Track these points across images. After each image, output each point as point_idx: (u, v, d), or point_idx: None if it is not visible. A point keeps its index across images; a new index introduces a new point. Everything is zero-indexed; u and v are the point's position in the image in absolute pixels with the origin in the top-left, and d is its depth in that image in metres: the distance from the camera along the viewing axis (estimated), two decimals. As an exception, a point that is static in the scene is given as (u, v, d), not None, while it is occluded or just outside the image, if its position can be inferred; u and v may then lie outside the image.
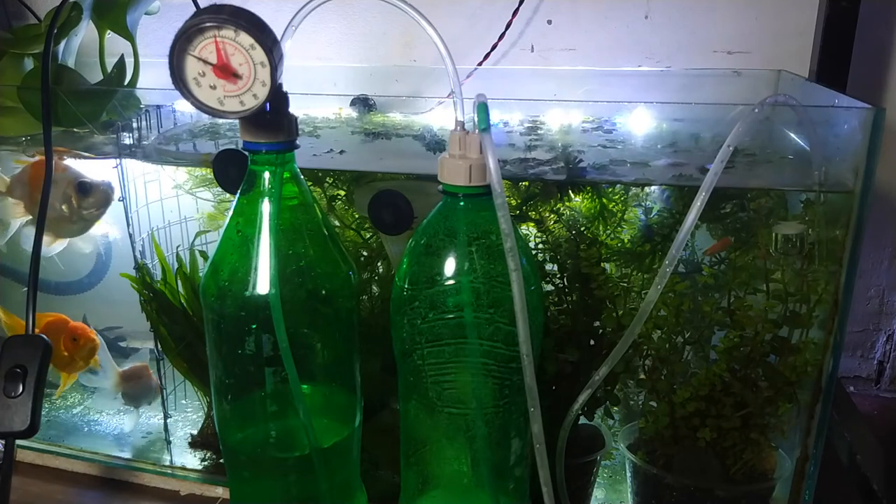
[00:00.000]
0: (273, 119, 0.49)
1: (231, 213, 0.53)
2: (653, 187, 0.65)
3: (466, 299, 0.48)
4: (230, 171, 0.63)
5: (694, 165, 0.61)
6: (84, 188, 0.76)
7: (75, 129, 0.75)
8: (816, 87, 0.76)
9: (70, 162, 0.78)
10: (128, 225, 0.76)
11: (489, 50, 0.89)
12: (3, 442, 0.57)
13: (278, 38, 0.46)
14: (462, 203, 0.48)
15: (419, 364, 0.50)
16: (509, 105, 0.78)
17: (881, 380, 0.96)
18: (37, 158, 0.79)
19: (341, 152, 0.68)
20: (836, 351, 0.57)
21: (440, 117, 0.76)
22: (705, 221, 0.66)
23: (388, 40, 0.94)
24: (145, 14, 0.83)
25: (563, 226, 0.65)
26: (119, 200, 0.77)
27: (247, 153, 0.51)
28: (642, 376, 0.63)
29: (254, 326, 0.52)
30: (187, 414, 0.85)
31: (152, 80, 0.79)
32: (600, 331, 0.63)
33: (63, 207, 0.77)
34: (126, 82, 0.79)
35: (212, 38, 0.45)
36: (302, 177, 0.53)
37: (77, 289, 0.93)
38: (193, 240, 0.78)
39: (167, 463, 0.79)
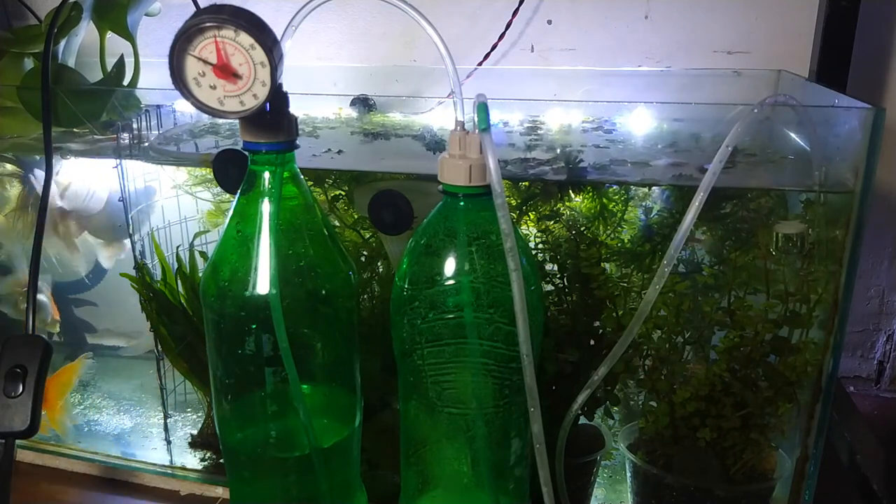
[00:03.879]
0: (273, 119, 0.49)
1: (231, 213, 0.53)
2: (653, 187, 0.65)
3: (466, 299, 0.48)
4: (230, 171, 0.63)
5: (694, 165, 0.61)
6: None
7: (75, 129, 0.75)
8: (816, 87, 0.76)
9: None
10: (128, 225, 0.76)
11: (489, 50, 0.89)
12: (3, 442, 0.57)
13: (278, 38, 0.46)
14: (462, 203, 0.48)
15: (419, 364, 0.50)
16: (509, 105, 0.78)
17: (881, 380, 0.96)
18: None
19: (339, 152, 0.68)
20: (836, 351, 0.57)
21: (440, 117, 0.76)
22: (705, 221, 0.66)
23: (388, 40, 0.94)
24: (145, 15, 0.83)
25: (562, 226, 0.65)
26: (119, 201, 0.77)
27: (247, 153, 0.51)
28: (642, 376, 0.63)
29: (254, 326, 0.52)
30: (187, 414, 0.85)
31: (152, 80, 0.79)
32: (600, 331, 0.63)
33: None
34: (126, 82, 0.79)
35: (212, 38, 0.45)
36: (302, 177, 0.53)
37: (77, 289, 0.93)
38: (193, 239, 0.78)
39: (167, 463, 0.79)
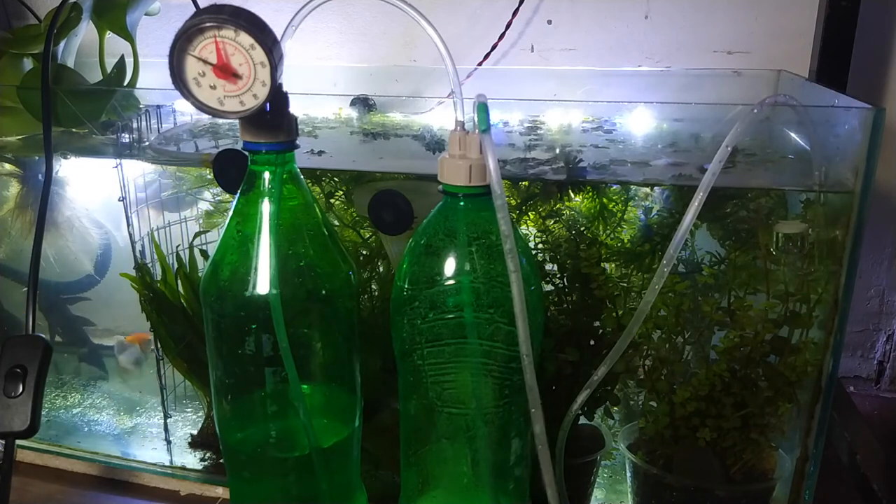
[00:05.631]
0: (273, 119, 0.49)
1: (231, 213, 0.53)
2: (653, 187, 0.65)
3: (466, 299, 0.48)
4: (230, 171, 0.63)
5: (694, 165, 0.61)
6: None
7: (74, 129, 0.75)
8: (816, 87, 0.76)
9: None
10: (128, 225, 0.76)
11: (489, 50, 0.89)
12: (3, 442, 0.57)
13: (278, 38, 0.46)
14: (462, 203, 0.48)
15: (419, 364, 0.50)
16: (509, 105, 0.78)
17: (881, 380, 0.96)
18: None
19: (319, 153, 0.68)
20: (836, 351, 0.57)
21: (440, 117, 0.76)
22: (705, 221, 0.66)
23: (388, 40, 0.94)
24: (145, 14, 0.83)
25: (562, 225, 0.65)
26: (119, 200, 0.77)
27: (247, 153, 0.51)
28: (642, 376, 0.63)
29: (254, 326, 0.52)
30: (187, 414, 0.85)
31: (152, 80, 0.79)
32: (600, 331, 0.63)
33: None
34: (126, 82, 0.79)
35: (212, 38, 0.45)
36: (302, 177, 0.53)
37: (76, 289, 0.92)
38: (193, 239, 0.78)
39: (167, 463, 0.79)
